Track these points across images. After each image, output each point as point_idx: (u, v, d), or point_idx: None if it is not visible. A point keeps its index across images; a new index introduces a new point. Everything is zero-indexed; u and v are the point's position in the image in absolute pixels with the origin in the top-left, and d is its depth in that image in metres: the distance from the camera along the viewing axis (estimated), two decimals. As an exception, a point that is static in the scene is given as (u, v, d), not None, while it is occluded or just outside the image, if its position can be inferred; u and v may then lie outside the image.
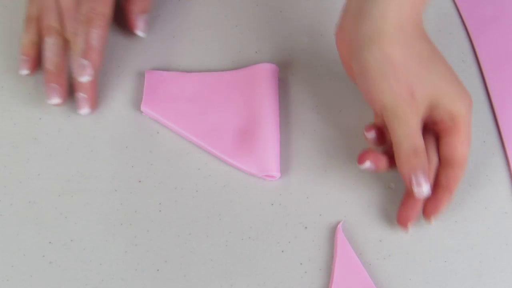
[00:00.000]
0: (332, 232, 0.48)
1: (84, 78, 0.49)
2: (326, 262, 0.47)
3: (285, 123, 0.52)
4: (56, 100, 0.50)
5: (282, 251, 0.48)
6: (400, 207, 0.47)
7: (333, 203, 0.49)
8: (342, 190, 0.50)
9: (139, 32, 0.54)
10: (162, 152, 0.51)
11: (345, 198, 0.49)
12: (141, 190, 0.49)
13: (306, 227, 0.48)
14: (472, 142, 0.51)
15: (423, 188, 0.45)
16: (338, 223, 0.48)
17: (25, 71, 0.51)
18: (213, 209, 0.49)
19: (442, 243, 0.48)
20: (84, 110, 0.50)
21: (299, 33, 0.56)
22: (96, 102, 0.51)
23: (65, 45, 0.51)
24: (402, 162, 0.45)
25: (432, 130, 0.47)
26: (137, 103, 0.52)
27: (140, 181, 0.50)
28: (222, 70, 0.54)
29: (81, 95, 0.50)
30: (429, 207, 0.47)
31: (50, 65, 0.50)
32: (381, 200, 0.49)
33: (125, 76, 0.54)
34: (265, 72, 0.53)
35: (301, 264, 0.47)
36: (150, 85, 0.52)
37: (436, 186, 0.47)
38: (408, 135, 0.44)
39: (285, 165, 0.50)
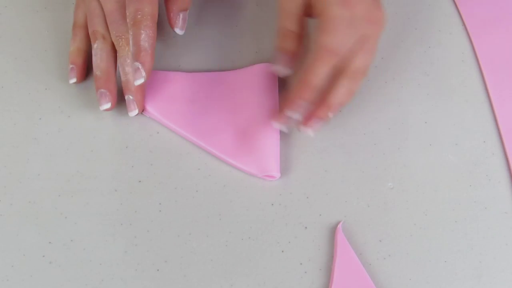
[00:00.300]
0: (332, 232, 0.48)
1: (139, 81, 0.48)
2: (326, 262, 0.47)
3: (285, 123, 0.52)
4: (106, 105, 0.50)
5: (282, 251, 0.48)
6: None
7: (333, 203, 0.49)
8: (342, 190, 0.50)
9: (177, 30, 0.53)
10: (162, 152, 0.51)
11: (345, 198, 0.49)
12: (141, 190, 0.49)
13: (306, 227, 0.48)
14: (472, 142, 0.51)
15: (279, 68, 0.50)
16: (338, 223, 0.48)
17: (72, 80, 0.51)
18: (213, 209, 0.49)
19: (442, 243, 0.48)
20: (133, 112, 0.50)
21: (299, 33, 0.56)
22: (143, 104, 0.51)
23: (112, 49, 0.50)
24: (276, 40, 0.50)
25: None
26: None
27: (140, 181, 0.50)
28: (222, 70, 0.54)
29: (129, 97, 0.50)
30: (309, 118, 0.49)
31: (97, 71, 0.50)
32: (381, 200, 0.49)
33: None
34: (265, 72, 0.53)
35: (301, 264, 0.47)
36: (151, 85, 0.52)
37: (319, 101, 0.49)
38: (282, 16, 0.49)
39: (285, 165, 0.50)
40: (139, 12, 0.48)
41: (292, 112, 0.48)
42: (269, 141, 0.50)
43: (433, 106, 0.52)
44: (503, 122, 0.52)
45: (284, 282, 0.47)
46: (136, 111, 0.51)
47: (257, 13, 0.57)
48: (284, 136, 0.51)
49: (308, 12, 0.49)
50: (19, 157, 0.50)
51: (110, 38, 0.50)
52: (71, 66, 0.51)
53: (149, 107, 0.51)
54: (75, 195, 0.49)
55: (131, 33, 0.48)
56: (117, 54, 0.50)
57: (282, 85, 0.53)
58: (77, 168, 0.50)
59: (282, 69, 0.50)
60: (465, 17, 0.57)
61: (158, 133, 0.51)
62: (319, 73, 0.47)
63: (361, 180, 0.50)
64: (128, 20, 0.49)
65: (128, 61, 0.50)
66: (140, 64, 0.48)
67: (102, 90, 0.50)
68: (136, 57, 0.48)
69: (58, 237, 0.48)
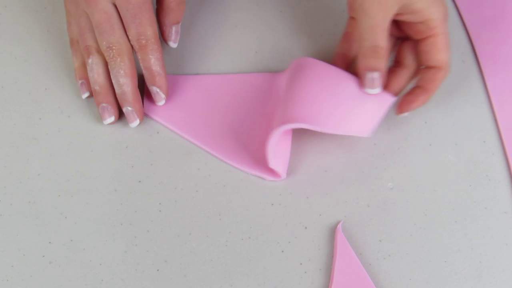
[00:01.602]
0: (332, 232, 0.48)
1: (161, 102, 0.51)
2: (326, 262, 0.47)
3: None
4: (110, 119, 0.50)
5: (282, 251, 0.48)
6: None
7: (333, 203, 0.49)
8: (342, 190, 0.50)
9: (171, 43, 0.53)
10: (162, 152, 0.51)
11: (345, 198, 0.49)
12: (141, 190, 0.49)
13: (306, 227, 0.48)
14: (472, 142, 0.51)
15: (375, 90, 0.47)
16: (338, 223, 0.48)
17: (85, 94, 0.51)
18: (213, 209, 0.49)
19: (442, 243, 0.48)
20: (134, 123, 0.50)
21: (299, 33, 0.56)
22: (143, 113, 0.51)
23: (106, 62, 0.50)
24: (361, 57, 0.47)
25: (411, 38, 0.49)
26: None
27: (140, 181, 0.50)
28: (222, 71, 0.54)
29: (128, 109, 0.50)
30: (404, 103, 0.49)
31: (96, 86, 0.50)
32: (381, 200, 0.49)
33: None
34: (269, 79, 0.53)
35: (301, 264, 0.47)
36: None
37: (415, 87, 0.49)
38: (371, 29, 0.46)
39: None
40: (142, 37, 0.49)
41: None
42: (282, 142, 0.50)
43: (433, 106, 0.52)
44: (503, 122, 0.52)
45: (284, 282, 0.47)
46: (138, 121, 0.50)
47: (257, 13, 0.57)
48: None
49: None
50: (19, 157, 0.50)
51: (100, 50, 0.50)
52: (80, 81, 0.51)
53: (150, 111, 0.51)
54: (75, 195, 0.49)
55: (139, 57, 0.49)
56: (109, 66, 0.49)
57: (282, 85, 0.53)
58: (77, 168, 0.50)
59: (374, 91, 0.47)
60: (465, 17, 0.57)
61: (158, 133, 0.51)
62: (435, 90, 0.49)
63: (361, 180, 0.50)
64: (132, 43, 0.49)
65: (122, 72, 0.49)
66: (158, 88, 0.50)
67: (103, 104, 0.50)
68: (152, 82, 0.50)
69: (58, 237, 0.48)
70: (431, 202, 0.49)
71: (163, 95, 0.50)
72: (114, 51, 0.49)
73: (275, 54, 0.55)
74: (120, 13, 0.49)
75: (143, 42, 0.49)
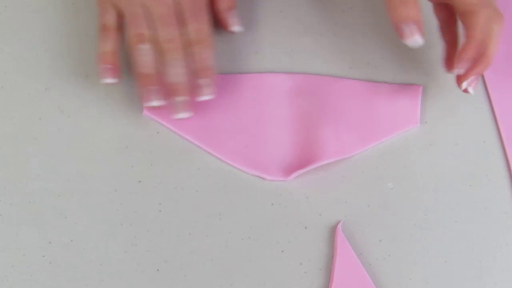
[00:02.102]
0: (332, 232, 0.48)
1: (207, 96, 0.50)
2: (326, 262, 0.47)
3: (285, 123, 0.52)
4: (156, 103, 0.50)
5: (282, 251, 0.48)
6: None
7: (333, 203, 0.49)
8: (342, 190, 0.50)
9: (235, 28, 0.53)
10: (162, 152, 0.51)
11: (345, 198, 0.49)
12: (141, 190, 0.49)
13: (306, 227, 0.48)
14: (472, 142, 0.51)
15: (417, 41, 0.46)
16: (338, 223, 0.48)
17: (110, 80, 0.50)
18: (213, 209, 0.49)
19: (442, 243, 0.48)
20: (181, 114, 0.50)
21: (299, 33, 0.56)
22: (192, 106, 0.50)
23: (157, 52, 0.50)
24: (391, 10, 0.46)
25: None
26: (137, 103, 0.52)
27: (140, 181, 0.50)
28: (222, 71, 0.54)
29: (179, 99, 0.49)
30: (461, 77, 0.48)
31: (148, 69, 0.50)
32: (381, 200, 0.49)
33: (126, 76, 0.53)
34: (273, 79, 0.53)
35: (301, 264, 0.47)
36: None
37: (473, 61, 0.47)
38: None
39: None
40: (202, 31, 0.50)
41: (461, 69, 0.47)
42: (276, 142, 0.50)
43: (433, 106, 0.52)
44: (503, 122, 0.52)
45: (284, 282, 0.47)
46: (187, 114, 0.50)
47: (257, 13, 0.57)
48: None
49: None
50: (19, 157, 0.50)
51: (155, 41, 0.50)
52: (107, 66, 0.50)
53: (151, 112, 0.51)
54: (75, 195, 0.49)
55: (195, 50, 0.50)
56: (166, 57, 0.49)
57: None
58: (77, 168, 0.50)
59: (416, 42, 0.47)
60: (465, 17, 0.57)
61: (158, 133, 0.51)
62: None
63: (361, 180, 0.50)
64: (189, 37, 0.50)
65: (180, 63, 0.49)
66: (209, 80, 0.50)
67: (152, 87, 0.49)
68: (205, 74, 0.50)
69: (58, 237, 0.48)
70: (431, 202, 0.49)
71: (212, 89, 0.50)
72: (177, 43, 0.49)
73: (275, 54, 0.55)
74: (182, 10, 0.50)
75: (202, 36, 0.50)
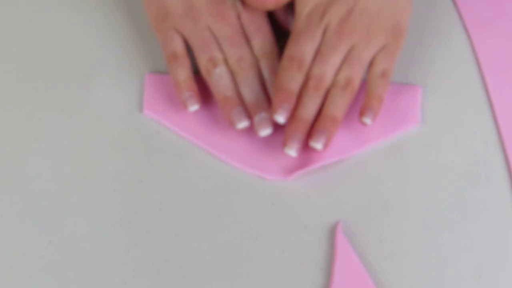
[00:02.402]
0: (332, 232, 0.48)
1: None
2: (326, 262, 0.47)
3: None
4: (246, 122, 0.49)
5: (282, 251, 0.48)
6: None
7: (333, 203, 0.49)
8: (342, 190, 0.50)
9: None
10: (162, 152, 0.51)
11: (345, 198, 0.49)
12: (141, 190, 0.49)
13: (306, 227, 0.48)
14: (472, 142, 0.51)
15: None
16: (338, 223, 0.48)
17: (195, 106, 0.50)
18: (213, 209, 0.49)
19: (442, 243, 0.48)
20: (268, 130, 0.49)
21: (299, 33, 0.56)
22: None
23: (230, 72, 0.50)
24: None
25: None
26: (137, 103, 0.52)
27: (140, 181, 0.50)
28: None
29: (262, 116, 0.49)
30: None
31: (229, 92, 0.49)
32: (381, 200, 0.49)
33: (126, 76, 0.54)
34: None
35: (301, 264, 0.47)
36: (151, 88, 0.52)
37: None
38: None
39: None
40: (267, 44, 0.51)
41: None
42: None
43: (433, 106, 0.52)
44: (503, 122, 0.52)
45: (284, 282, 0.47)
46: (270, 129, 0.49)
47: (257, 13, 0.57)
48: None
49: None
50: (19, 157, 0.50)
51: (228, 62, 0.50)
52: (189, 93, 0.50)
53: (152, 111, 0.51)
54: (75, 195, 0.49)
55: (263, 64, 0.50)
56: (239, 76, 0.50)
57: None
58: (77, 168, 0.50)
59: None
60: (465, 17, 0.57)
61: (158, 133, 0.51)
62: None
63: (361, 180, 0.50)
64: (256, 51, 0.50)
65: (256, 80, 0.50)
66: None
67: (238, 108, 0.49)
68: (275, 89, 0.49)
69: (58, 237, 0.48)
70: (431, 202, 0.49)
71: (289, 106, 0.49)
72: (247, 62, 0.50)
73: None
74: (244, 27, 0.51)
75: (268, 49, 0.50)
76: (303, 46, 0.49)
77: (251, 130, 0.51)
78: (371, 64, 0.50)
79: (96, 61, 0.54)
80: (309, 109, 0.48)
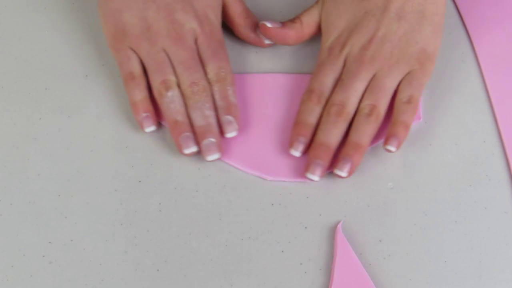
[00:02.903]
0: (332, 232, 0.48)
1: (232, 133, 0.50)
2: (326, 262, 0.47)
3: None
4: (194, 148, 0.49)
5: (282, 251, 0.48)
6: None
7: (333, 203, 0.49)
8: (342, 190, 0.50)
9: (267, 41, 0.54)
10: (162, 152, 0.51)
11: (345, 198, 0.49)
12: (141, 190, 0.49)
13: (306, 227, 0.48)
14: (472, 142, 0.51)
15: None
16: (338, 223, 0.48)
17: (151, 128, 0.50)
18: (213, 209, 0.49)
19: (442, 243, 0.48)
20: (214, 156, 0.49)
21: (299, 33, 0.56)
22: (222, 148, 0.50)
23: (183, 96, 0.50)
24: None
25: None
26: (137, 103, 0.52)
27: (140, 181, 0.50)
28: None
29: (210, 140, 0.49)
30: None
31: (178, 116, 0.49)
32: (381, 200, 0.49)
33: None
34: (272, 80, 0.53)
35: (301, 264, 0.47)
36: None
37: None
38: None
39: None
40: (222, 70, 0.50)
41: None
42: (269, 141, 0.50)
43: (433, 106, 0.52)
44: (503, 122, 0.52)
45: (284, 282, 0.47)
46: (218, 155, 0.49)
47: (257, 13, 0.57)
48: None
49: None
50: (19, 157, 0.50)
51: (180, 85, 0.50)
52: (145, 114, 0.50)
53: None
54: (75, 195, 0.49)
55: (216, 89, 0.50)
56: (190, 101, 0.49)
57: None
58: (77, 168, 0.50)
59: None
60: (465, 17, 0.57)
61: (158, 133, 0.51)
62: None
63: (361, 180, 0.50)
64: (210, 76, 0.50)
65: (207, 105, 0.49)
66: (232, 118, 0.49)
67: (186, 134, 0.49)
68: (228, 111, 0.50)
69: (58, 237, 0.48)
70: (431, 202, 0.49)
71: (236, 126, 0.50)
72: (200, 86, 0.49)
73: (275, 54, 0.55)
74: (200, 51, 0.51)
75: (223, 74, 0.50)
76: (323, 78, 0.50)
77: (251, 130, 0.51)
78: (396, 90, 0.50)
79: (96, 61, 0.54)
80: (330, 135, 0.48)
